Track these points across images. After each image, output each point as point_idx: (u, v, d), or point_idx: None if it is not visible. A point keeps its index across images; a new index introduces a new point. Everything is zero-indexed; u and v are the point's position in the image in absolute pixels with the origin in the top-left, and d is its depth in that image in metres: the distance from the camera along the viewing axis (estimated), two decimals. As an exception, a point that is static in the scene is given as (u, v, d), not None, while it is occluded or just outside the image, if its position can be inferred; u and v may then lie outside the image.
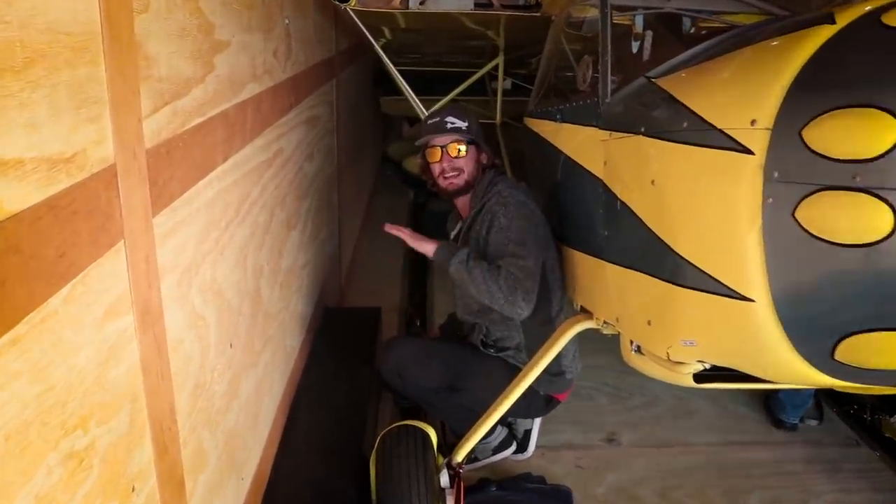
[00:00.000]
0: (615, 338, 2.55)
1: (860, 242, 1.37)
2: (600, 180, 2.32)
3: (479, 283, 2.61)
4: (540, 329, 2.75)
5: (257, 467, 2.44)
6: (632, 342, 2.27)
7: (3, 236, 0.92)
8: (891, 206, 1.32)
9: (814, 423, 3.56)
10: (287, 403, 2.94)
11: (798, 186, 1.46)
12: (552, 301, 2.85)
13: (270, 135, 2.55)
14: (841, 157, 1.38)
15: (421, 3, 3.54)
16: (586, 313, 2.63)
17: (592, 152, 2.40)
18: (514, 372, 2.78)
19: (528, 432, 3.23)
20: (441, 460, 2.66)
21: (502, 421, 2.88)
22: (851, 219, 1.38)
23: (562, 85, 3.22)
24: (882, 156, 1.32)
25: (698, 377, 2.07)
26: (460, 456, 2.64)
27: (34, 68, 1.00)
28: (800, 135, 1.45)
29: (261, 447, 2.51)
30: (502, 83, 5.39)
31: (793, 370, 1.64)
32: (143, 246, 1.39)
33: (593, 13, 3.12)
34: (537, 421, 3.22)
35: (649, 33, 3.14)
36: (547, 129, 3.00)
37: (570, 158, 2.66)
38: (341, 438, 2.86)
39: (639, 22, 3.31)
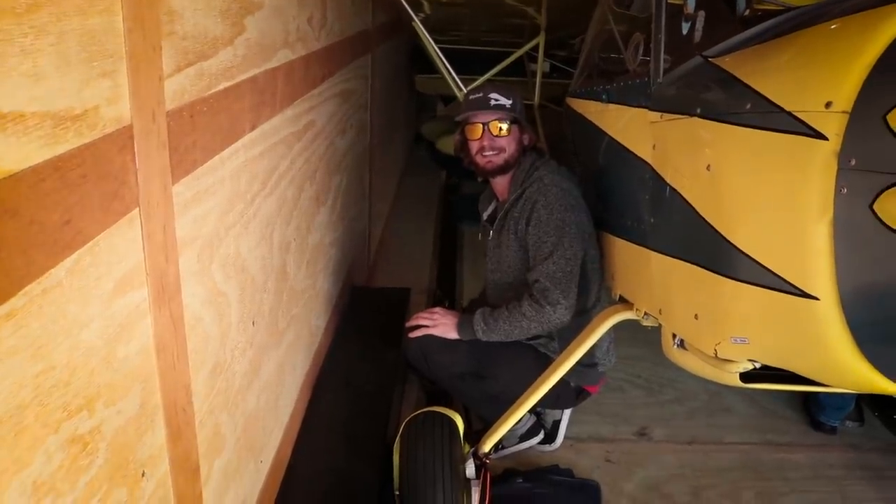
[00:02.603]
0: (650, 329, 2.43)
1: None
2: (648, 164, 2.19)
3: (509, 330, 2.63)
4: (574, 320, 2.64)
5: (277, 450, 2.35)
6: (675, 336, 2.14)
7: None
8: None
9: (854, 425, 3.42)
10: (310, 385, 2.85)
11: (879, 176, 1.32)
12: (590, 292, 2.75)
13: (301, 106, 2.44)
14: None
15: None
16: (625, 303, 2.50)
17: (640, 134, 2.27)
18: (543, 361, 2.69)
19: (556, 423, 3.11)
20: (467, 449, 2.56)
21: (531, 410, 2.77)
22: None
23: (608, 64, 3.09)
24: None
25: (745, 376, 1.94)
26: (487, 446, 2.54)
27: (39, 13, 0.89)
28: (884, 119, 1.31)
29: (281, 430, 2.42)
30: (542, 64, 5.25)
31: (857, 375, 1.51)
32: (161, 216, 1.29)
33: (645, -10, 2.97)
34: (566, 412, 3.10)
35: (702, 13, 2.99)
36: (591, 110, 2.86)
37: (615, 140, 2.53)
38: (364, 423, 2.77)
39: (690, 2, 3.17)
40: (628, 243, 2.44)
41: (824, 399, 3.35)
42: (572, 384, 2.83)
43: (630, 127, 2.41)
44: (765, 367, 1.88)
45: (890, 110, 1.31)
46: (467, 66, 5.20)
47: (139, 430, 1.28)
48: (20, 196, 0.87)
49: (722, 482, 3.01)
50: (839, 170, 1.39)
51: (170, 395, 1.39)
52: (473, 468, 2.50)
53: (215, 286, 1.66)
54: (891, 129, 1.30)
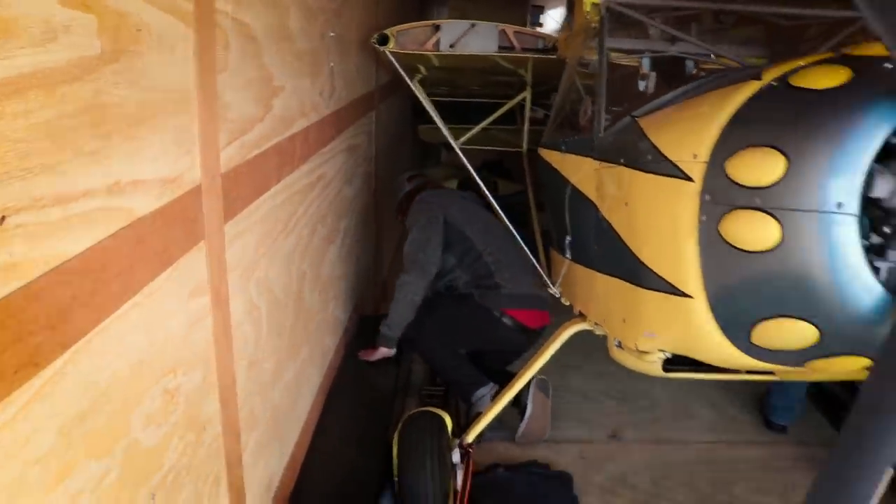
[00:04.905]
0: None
1: (760, 250, 1.78)
2: (593, 203, 2.73)
3: (397, 300, 3.71)
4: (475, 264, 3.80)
5: (295, 444, 2.86)
6: (614, 339, 2.67)
7: (135, 233, 1.38)
8: (779, 221, 1.72)
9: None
10: (322, 395, 3.36)
11: (720, 206, 1.87)
12: (471, 239, 3.84)
13: (315, 161, 3.00)
14: (748, 184, 1.80)
15: (451, 46, 4.00)
16: (583, 317, 3.03)
17: (588, 179, 2.81)
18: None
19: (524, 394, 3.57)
20: (454, 441, 3.07)
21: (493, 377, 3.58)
22: (753, 231, 1.79)
23: (568, 120, 3.64)
24: (774, 184, 1.73)
25: (667, 367, 2.46)
26: (471, 437, 3.06)
27: (155, 119, 1.46)
28: (723, 166, 1.86)
29: (299, 427, 2.94)
30: (529, 114, 5.83)
31: (724, 353, 2.04)
32: (217, 246, 1.84)
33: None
34: (531, 388, 3.54)
35: (653, 74, 3.53)
36: (555, 159, 3.40)
37: (572, 185, 3.07)
38: (370, 426, 3.28)
39: (646, 63, 3.70)
40: (583, 268, 2.97)
41: (774, 401, 3.85)
42: (508, 322, 3.67)
43: (581, 173, 2.95)
44: (678, 357, 2.41)
45: (726, 159, 1.86)
46: (466, 115, 5.82)
47: (202, 396, 1.82)
48: (145, 231, 1.43)
49: (680, 473, 3.48)
50: (700, 203, 1.94)
51: (222, 375, 1.93)
52: (459, 455, 3.01)
53: (251, 300, 2.21)
54: (726, 174, 1.85)
